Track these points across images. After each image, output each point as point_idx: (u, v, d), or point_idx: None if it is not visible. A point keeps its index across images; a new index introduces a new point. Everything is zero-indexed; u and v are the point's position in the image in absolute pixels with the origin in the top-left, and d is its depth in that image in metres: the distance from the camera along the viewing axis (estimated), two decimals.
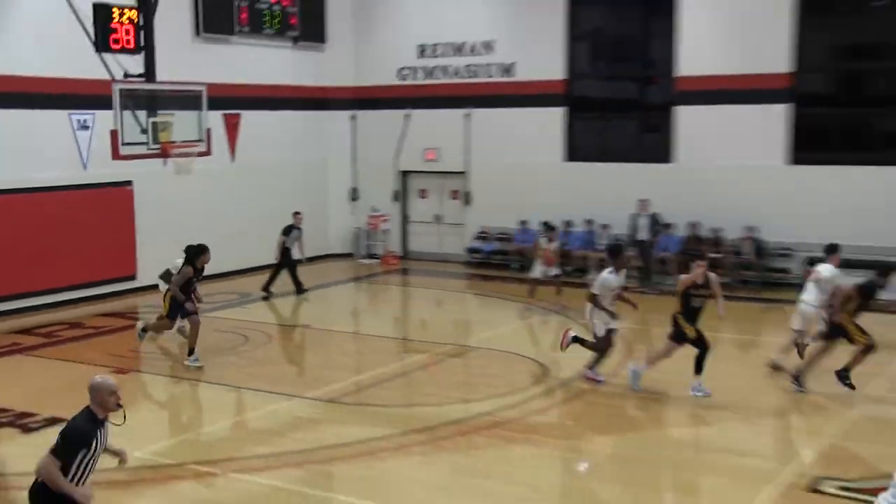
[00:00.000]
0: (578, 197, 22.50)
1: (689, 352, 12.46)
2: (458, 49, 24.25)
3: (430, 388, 13.26)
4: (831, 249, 14.28)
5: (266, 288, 19.97)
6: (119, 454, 7.26)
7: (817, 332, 13.34)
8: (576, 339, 13.36)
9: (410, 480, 10.06)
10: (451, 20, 24.11)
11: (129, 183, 19.74)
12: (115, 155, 16.90)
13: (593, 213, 22.31)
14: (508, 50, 23.59)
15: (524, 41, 23.39)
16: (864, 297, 12.78)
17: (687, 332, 12.40)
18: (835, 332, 12.87)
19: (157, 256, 18.55)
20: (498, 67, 23.83)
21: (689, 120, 21.67)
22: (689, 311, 12.48)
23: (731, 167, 20.89)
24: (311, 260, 22.25)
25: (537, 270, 18.83)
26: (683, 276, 12.82)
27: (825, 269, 13.90)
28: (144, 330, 15.32)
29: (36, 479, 6.77)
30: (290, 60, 23.96)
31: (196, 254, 14.36)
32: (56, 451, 6.64)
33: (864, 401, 12.51)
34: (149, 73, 17.00)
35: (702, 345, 12.41)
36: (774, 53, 20.55)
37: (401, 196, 25.62)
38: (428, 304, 21.12)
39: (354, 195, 25.94)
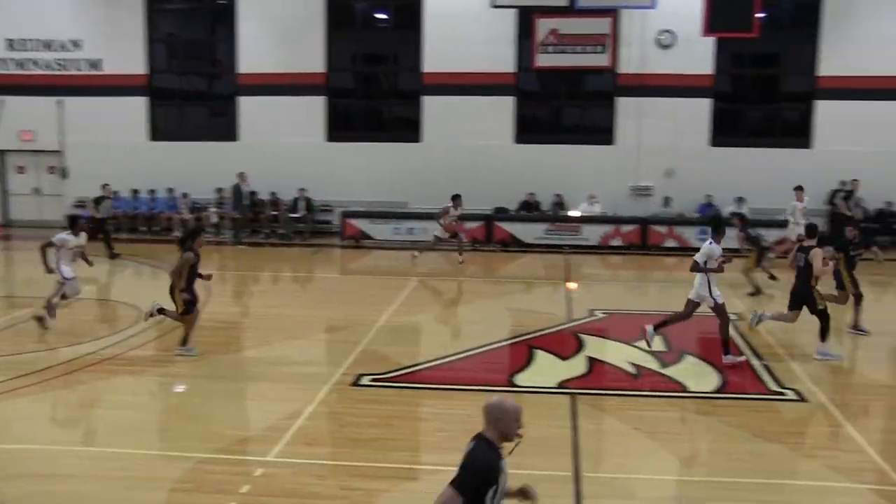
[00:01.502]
0: (162, 170, 21.33)
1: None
2: (48, 45, 21.76)
3: (39, 336, 11.87)
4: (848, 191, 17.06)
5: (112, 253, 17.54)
6: (526, 493, 4.63)
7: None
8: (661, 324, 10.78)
9: (21, 418, 8.91)
10: (39, 19, 21.55)
11: None
12: None
13: (174, 184, 21.30)
14: (95, 48, 21.61)
15: (109, 40, 21.54)
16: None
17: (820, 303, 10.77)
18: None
19: None
20: (86, 62, 21.74)
21: (249, 107, 21.34)
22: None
23: (285, 144, 20.89)
24: None
25: (438, 231, 17.08)
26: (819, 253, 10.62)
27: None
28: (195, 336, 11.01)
29: None
30: None
31: (192, 237, 10.78)
32: (461, 486, 4.28)
33: (380, 315, 13.05)
34: None
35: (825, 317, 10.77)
36: (313, 56, 20.82)
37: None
38: (31, 265, 18.87)
39: None
